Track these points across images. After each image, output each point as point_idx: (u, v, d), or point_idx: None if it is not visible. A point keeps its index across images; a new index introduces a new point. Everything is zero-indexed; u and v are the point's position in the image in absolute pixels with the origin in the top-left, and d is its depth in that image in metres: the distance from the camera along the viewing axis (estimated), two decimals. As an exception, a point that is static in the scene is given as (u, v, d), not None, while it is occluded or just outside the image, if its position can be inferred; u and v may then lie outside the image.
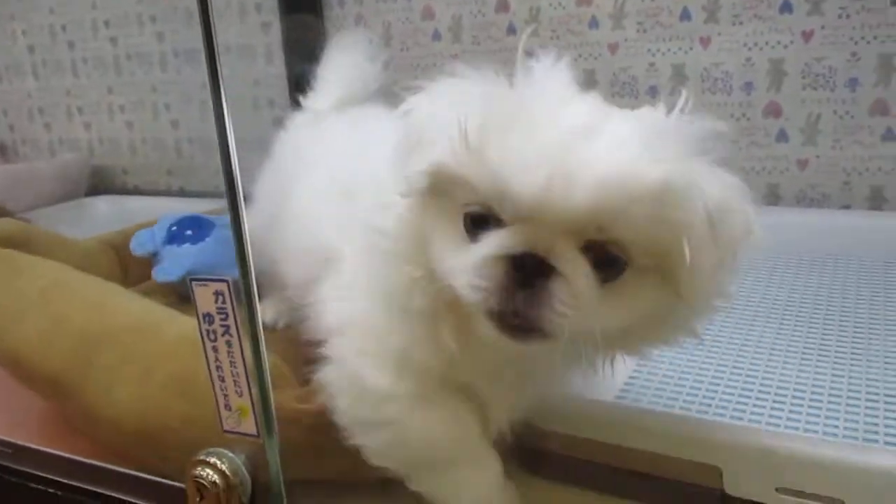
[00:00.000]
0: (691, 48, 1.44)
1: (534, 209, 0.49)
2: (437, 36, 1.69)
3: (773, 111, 1.41)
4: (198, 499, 0.58)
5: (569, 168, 0.48)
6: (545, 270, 0.50)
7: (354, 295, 0.65)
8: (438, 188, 0.54)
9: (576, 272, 0.50)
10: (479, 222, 0.53)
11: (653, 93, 1.48)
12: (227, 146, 0.52)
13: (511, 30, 1.60)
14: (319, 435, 0.61)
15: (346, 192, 0.73)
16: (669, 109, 0.54)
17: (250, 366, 0.55)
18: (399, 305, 0.59)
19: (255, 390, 0.55)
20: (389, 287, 0.60)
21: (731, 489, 0.66)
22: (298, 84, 1.78)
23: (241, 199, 0.53)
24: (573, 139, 0.49)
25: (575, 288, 0.50)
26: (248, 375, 0.55)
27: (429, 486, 0.64)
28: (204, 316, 0.55)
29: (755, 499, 0.66)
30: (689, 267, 0.51)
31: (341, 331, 0.64)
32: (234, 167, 0.51)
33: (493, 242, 0.51)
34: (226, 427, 0.58)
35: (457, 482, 0.64)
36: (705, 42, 1.43)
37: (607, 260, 0.52)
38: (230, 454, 0.59)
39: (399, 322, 0.60)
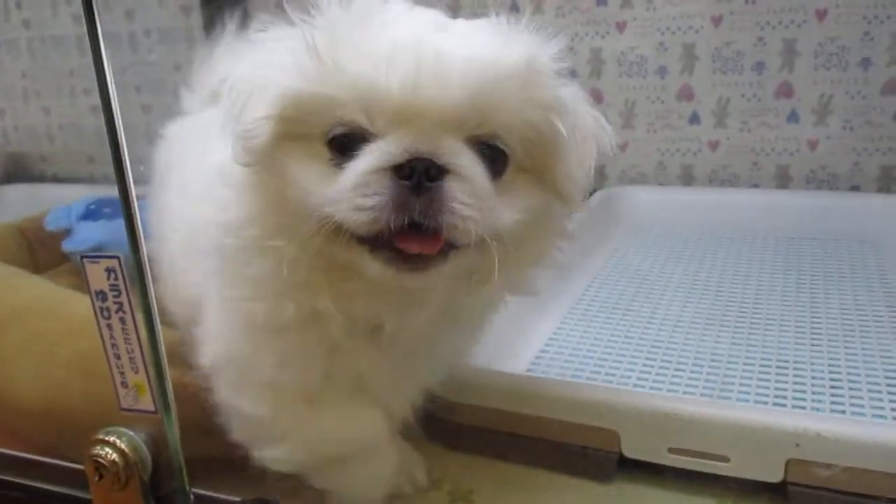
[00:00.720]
0: (608, 33, 1.47)
1: (408, 107, 0.46)
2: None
3: (687, 95, 1.46)
4: (97, 478, 0.58)
5: (435, 56, 0.46)
6: (434, 174, 0.46)
7: (219, 330, 0.59)
8: (289, 129, 0.50)
9: (471, 167, 0.48)
10: (346, 145, 0.48)
11: (573, 75, 1.51)
12: (115, 127, 0.51)
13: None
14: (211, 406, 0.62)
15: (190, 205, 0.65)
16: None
17: (145, 342, 0.55)
18: (264, 314, 0.54)
19: (150, 366, 0.55)
20: (249, 291, 0.54)
21: (628, 451, 0.69)
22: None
23: (130, 176, 0.53)
24: (431, 32, 0.48)
25: (474, 184, 0.47)
26: (143, 352, 0.55)
27: (329, 484, 0.64)
28: (97, 293, 0.55)
29: (650, 460, 0.69)
30: (563, 152, 0.51)
31: (215, 371, 0.59)
32: (121, 144, 0.51)
33: (372, 155, 0.47)
34: (123, 405, 0.58)
35: (356, 477, 0.64)
36: (621, 27, 1.46)
37: (491, 156, 0.50)
38: (129, 432, 0.59)
39: (265, 345, 0.56)
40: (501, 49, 0.48)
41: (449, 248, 0.48)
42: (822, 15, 1.34)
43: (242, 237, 0.53)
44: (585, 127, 0.54)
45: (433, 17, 0.51)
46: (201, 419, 0.58)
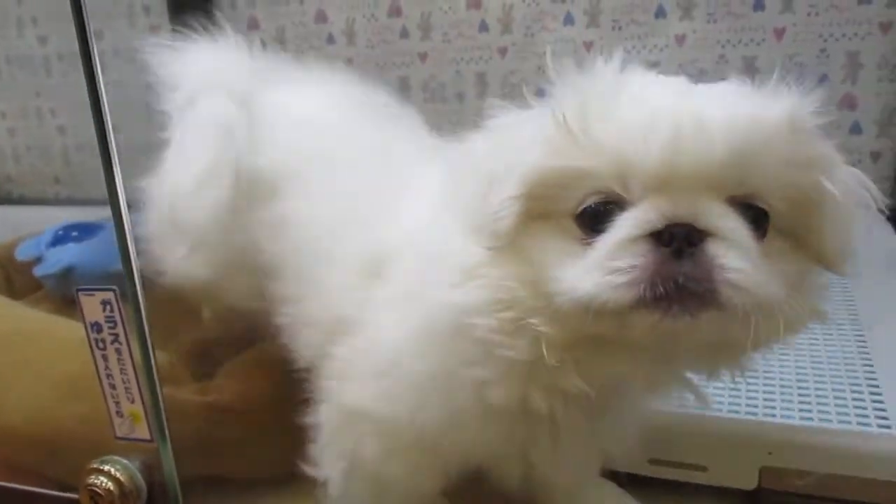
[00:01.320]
0: (575, 52, 1.51)
1: (667, 172, 0.45)
2: (331, 39, 1.70)
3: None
4: (92, 507, 0.59)
5: (694, 119, 0.44)
6: (696, 238, 0.44)
7: (427, 401, 0.57)
8: (533, 207, 0.49)
9: (736, 229, 0.45)
10: (597, 217, 0.47)
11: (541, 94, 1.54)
12: (109, 150, 0.53)
13: (405, 33, 1.63)
14: (217, 427, 0.63)
15: (373, 267, 0.62)
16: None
17: (141, 372, 0.56)
18: (502, 397, 0.53)
19: (147, 395, 0.56)
20: (495, 373, 0.52)
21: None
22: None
23: (125, 205, 0.54)
24: (683, 96, 0.47)
25: (739, 245, 0.44)
26: (139, 381, 0.56)
27: None
28: (92, 325, 0.56)
29: (633, 471, 0.72)
30: (830, 215, 0.48)
31: (373, 423, 0.59)
32: (115, 171, 0.52)
33: (628, 223, 0.45)
34: (119, 434, 0.59)
35: None
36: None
37: (752, 217, 0.47)
38: (124, 461, 0.60)
39: (482, 424, 0.55)
40: (761, 107, 0.47)
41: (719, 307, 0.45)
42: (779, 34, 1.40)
43: (496, 318, 0.50)
44: (857, 194, 0.50)
45: (678, 82, 0.50)
46: (199, 436, 0.60)
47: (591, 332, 0.48)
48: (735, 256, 0.44)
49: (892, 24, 1.35)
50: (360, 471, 0.62)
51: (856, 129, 1.43)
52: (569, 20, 1.51)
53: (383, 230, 0.62)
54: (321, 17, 1.70)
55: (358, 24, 1.67)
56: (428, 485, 0.65)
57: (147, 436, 0.58)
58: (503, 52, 1.58)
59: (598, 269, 0.45)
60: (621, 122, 0.46)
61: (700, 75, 1.44)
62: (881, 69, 1.38)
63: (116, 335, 0.56)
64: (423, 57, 1.64)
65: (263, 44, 1.08)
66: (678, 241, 0.44)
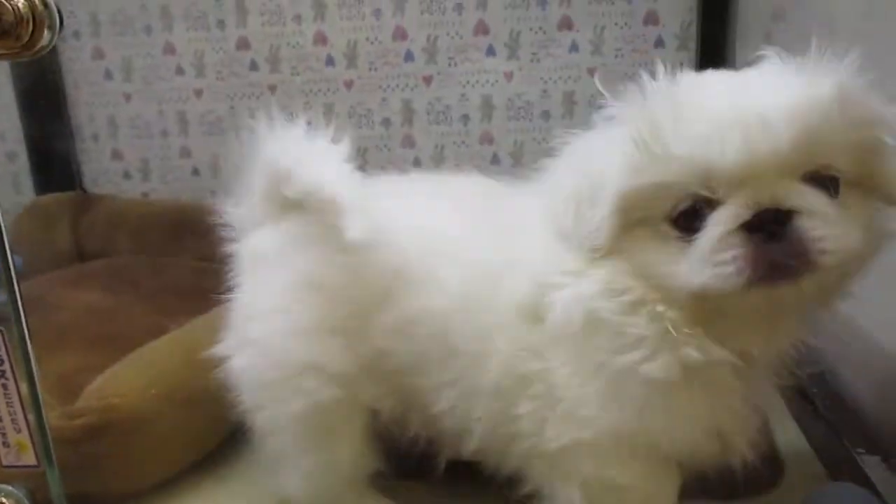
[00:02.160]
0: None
1: (744, 169, 0.50)
2: (179, 70, 1.74)
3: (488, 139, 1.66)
4: (-20, 536, 0.63)
5: (757, 116, 0.50)
6: (783, 218, 0.51)
7: (604, 403, 0.61)
8: (630, 217, 0.55)
9: (815, 202, 0.51)
10: (691, 217, 0.53)
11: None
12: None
13: (254, 66, 1.70)
14: (88, 446, 0.71)
15: (531, 311, 0.63)
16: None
17: (28, 405, 0.61)
18: (660, 370, 0.57)
19: (34, 426, 0.62)
20: (639, 353, 0.58)
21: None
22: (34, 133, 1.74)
23: (9, 250, 0.59)
24: (739, 95, 0.53)
25: (821, 214, 0.51)
26: (25, 413, 0.62)
27: None
28: (-22, 364, 0.61)
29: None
30: (889, 158, 0.54)
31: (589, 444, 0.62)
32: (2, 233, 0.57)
33: (721, 219, 0.52)
34: (5, 462, 0.64)
35: None
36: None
37: (824, 183, 0.53)
38: (8, 487, 0.64)
39: (658, 403, 0.59)
40: (813, 86, 0.52)
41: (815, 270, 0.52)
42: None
43: (616, 302, 0.57)
44: None
45: (729, 79, 0.56)
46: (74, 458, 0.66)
47: (712, 308, 0.55)
48: (820, 226, 0.51)
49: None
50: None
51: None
52: (409, 57, 1.64)
53: (518, 275, 0.64)
54: (169, 49, 1.73)
55: (207, 56, 1.72)
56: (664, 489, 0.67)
57: (34, 462, 0.63)
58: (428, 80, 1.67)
59: (706, 264, 0.52)
60: (693, 133, 0.52)
61: (527, 106, 1.63)
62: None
63: (3, 371, 0.61)
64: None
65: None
66: (768, 226, 0.51)
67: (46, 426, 0.63)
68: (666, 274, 0.55)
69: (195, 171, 1.81)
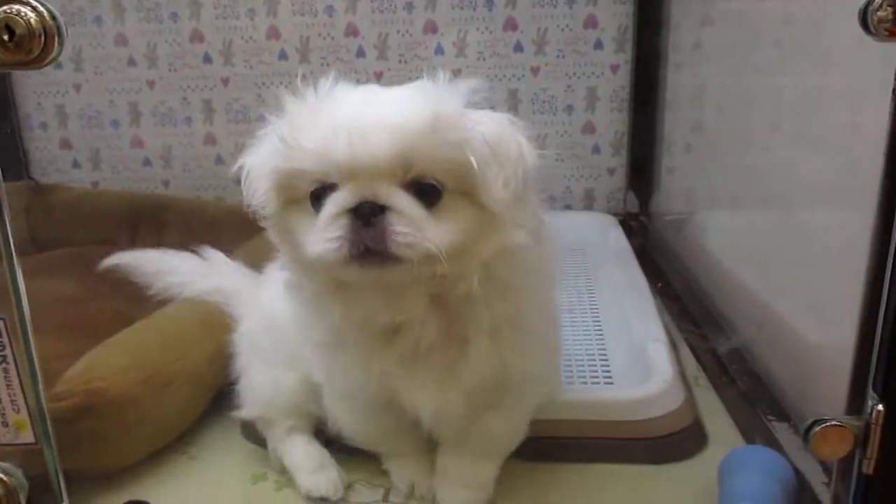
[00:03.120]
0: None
1: (352, 166, 0.62)
2: (132, 62, 1.75)
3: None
4: (-22, 509, 0.68)
5: (364, 126, 0.62)
6: (379, 211, 0.62)
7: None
8: (287, 196, 0.67)
9: (403, 203, 0.62)
10: (319, 197, 0.64)
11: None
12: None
13: (208, 59, 1.73)
14: (74, 426, 0.78)
15: None
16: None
17: (28, 387, 0.66)
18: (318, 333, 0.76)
19: (33, 405, 0.67)
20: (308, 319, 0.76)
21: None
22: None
23: (11, 236, 0.64)
24: (359, 108, 0.64)
25: (408, 216, 0.62)
26: (24, 394, 0.67)
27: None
28: (-21, 350, 0.65)
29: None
30: (481, 178, 0.63)
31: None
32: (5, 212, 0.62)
33: (332, 204, 0.63)
34: (2, 441, 0.68)
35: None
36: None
37: (425, 190, 0.64)
38: (5, 464, 0.69)
39: (327, 359, 0.78)
40: (414, 111, 0.63)
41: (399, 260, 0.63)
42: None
43: (289, 271, 0.74)
44: (508, 151, 0.66)
45: (365, 94, 0.67)
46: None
47: (337, 278, 0.68)
48: (402, 224, 0.62)
49: (619, 66, 1.70)
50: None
51: (595, 149, 1.77)
52: (361, 53, 1.70)
53: None
54: (121, 40, 1.74)
55: (160, 49, 1.74)
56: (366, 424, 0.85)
57: (32, 440, 0.68)
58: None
59: (320, 238, 0.64)
60: (319, 133, 0.63)
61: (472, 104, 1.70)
62: (612, 102, 1.73)
63: (4, 356, 0.65)
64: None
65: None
66: (365, 215, 0.62)
67: (45, 407, 0.68)
68: (303, 242, 0.67)
69: (146, 162, 1.83)
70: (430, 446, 0.86)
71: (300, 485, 0.87)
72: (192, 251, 1.05)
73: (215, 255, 1.06)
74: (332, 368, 0.79)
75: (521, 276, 0.71)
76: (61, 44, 0.58)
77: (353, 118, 0.63)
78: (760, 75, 1.14)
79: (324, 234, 0.63)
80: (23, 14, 0.56)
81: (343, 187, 0.63)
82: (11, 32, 0.56)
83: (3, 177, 1.68)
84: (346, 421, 0.85)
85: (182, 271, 1.03)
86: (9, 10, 0.56)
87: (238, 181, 0.71)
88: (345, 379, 0.78)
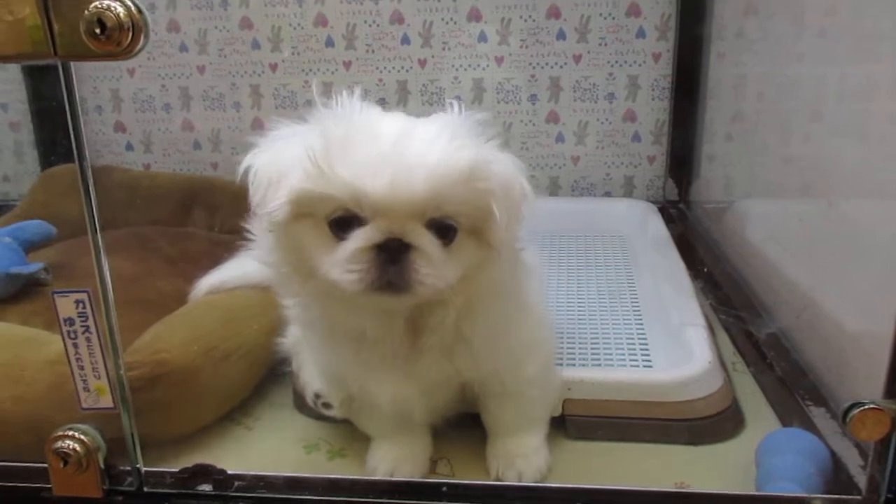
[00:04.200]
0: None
1: (386, 204, 0.63)
2: (183, 47, 1.81)
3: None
4: (62, 465, 0.73)
5: (406, 169, 0.63)
6: (403, 248, 0.65)
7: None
8: (300, 210, 0.67)
9: (428, 244, 0.65)
10: (342, 224, 0.66)
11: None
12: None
13: (256, 45, 1.78)
14: (142, 395, 0.84)
15: None
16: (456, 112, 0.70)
17: (109, 355, 0.72)
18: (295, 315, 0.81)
19: (112, 373, 0.72)
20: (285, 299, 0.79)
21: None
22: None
23: (97, 217, 0.69)
24: (400, 148, 0.64)
25: (429, 256, 0.65)
26: (105, 361, 0.72)
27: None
28: (65, 320, 0.70)
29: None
30: (497, 222, 0.67)
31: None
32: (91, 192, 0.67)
33: (360, 237, 0.65)
34: (84, 405, 0.74)
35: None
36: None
37: (444, 229, 0.67)
38: (84, 426, 0.74)
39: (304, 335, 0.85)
40: (452, 158, 0.65)
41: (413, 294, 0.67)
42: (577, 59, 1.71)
43: (276, 272, 0.75)
44: (514, 195, 0.71)
45: (400, 127, 0.67)
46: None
47: (325, 291, 0.69)
48: (423, 263, 0.65)
49: (661, 54, 1.71)
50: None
51: (636, 137, 1.78)
52: (405, 40, 1.74)
53: None
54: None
55: (212, 33, 1.79)
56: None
57: (111, 405, 0.73)
58: (347, 65, 1.77)
59: (341, 266, 0.65)
60: (355, 163, 0.64)
61: (515, 90, 1.73)
62: (654, 90, 1.74)
63: (87, 326, 0.71)
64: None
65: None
66: (391, 252, 0.65)
67: (124, 374, 0.73)
68: (315, 260, 0.68)
69: (196, 145, 1.89)
70: (416, 436, 0.90)
71: None
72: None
73: None
74: (321, 353, 0.85)
75: (486, 300, 0.75)
76: (147, 36, 0.63)
77: (393, 156, 0.64)
78: (803, 64, 1.14)
79: (347, 264, 0.65)
80: (113, 8, 0.61)
81: (371, 222, 0.65)
82: (103, 26, 0.61)
83: (61, 160, 1.77)
84: (334, 397, 0.90)
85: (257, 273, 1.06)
86: (100, 5, 0.60)
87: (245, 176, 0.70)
88: (334, 366, 0.83)
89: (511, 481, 0.85)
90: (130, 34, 0.61)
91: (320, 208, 0.67)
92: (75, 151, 0.68)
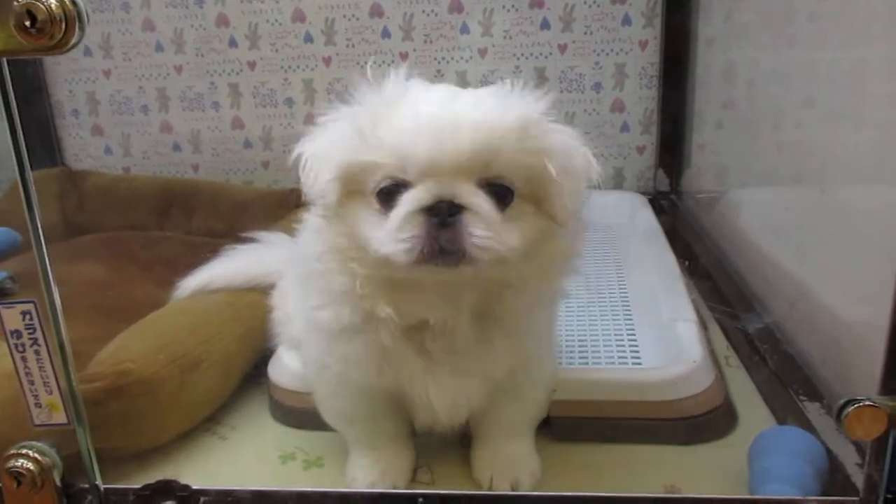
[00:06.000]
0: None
1: (433, 163, 0.60)
2: (159, 47, 1.77)
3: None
4: (16, 486, 0.69)
5: (450, 123, 0.60)
6: (455, 210, 0.60)
7: (306, 338, 0.81)
8: (349, 187, 0.65)
9: (481, 203, 0.61)
10: (390, 195, 0.62)
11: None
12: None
13: (233, 43, 1.74)
14: (105, 407, 0.80)
15: None
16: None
17: (59, 369, 0.68)
18: (330, 319, 0.71)
19: (65, 387, 0.68)
20: (323, 301, 0.72)
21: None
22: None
23: (41, 227, 0.65)
24: (444, 105, 0.63)
25: (484, 216, 0.61)
26: (56, 375, 0.68)
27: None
28: (12, 332, 0.67)
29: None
30: (555, 187, 0.63)
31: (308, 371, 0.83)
32: (33, 203, 0.63)
33: (407, 202, 0.61)
34: (37, 422, 0.70)
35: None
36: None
37: (499, 192, 0.63)
38: (39, 444, 0.71)
39: (333, 346, 0.74)
40: (500, 112, 0.63)
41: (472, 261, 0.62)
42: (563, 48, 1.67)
43: (326, 262, 0.69)
44: (577, 165, 0.67)
45: (446, 92, 0.66)
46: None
47: (394, 276, 0.65)
48: (479, 225, 0.61)
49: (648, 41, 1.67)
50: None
51: (624, 128, 1.74)
52: (386, 34, 1.70)
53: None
54: (148, 26, 1.75)
55: (187, 33, 1.75)
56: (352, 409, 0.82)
57: (64, 420, 0.70)
58: (328, 61, 1.73)
59: (391, 237, 0.61)
60: (398, 127, 0.62)
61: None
62: (641, 79, 1.70)
63: (35, 339, 0.67)
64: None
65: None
66: (442, 214, 0.61)
67: (76, 388, 0.69)
68: (367, 238, 0.64)
69: (176, 147, 1.85)
70: (402, 445, 0.86)
71: None
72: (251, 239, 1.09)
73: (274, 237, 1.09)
74: (332, 354, 0.76)
75: (545, 281, 0.71)
76: (82, 29, 0.59)
77: (438, 115, 0.62)
78: (795, 49, 1.11)
79: (397, 233, 0.61)
80: (44, 0, 0.57)
81: (418, 185, 0.62)
82: (33, 18, 0.57)
83: (38, 164, 1.73)
84: (330, 403, 0.83)
85: (248, 270, 1.07)
86: (30, -3, 0.56)
87: (296, 167, 0.69)
88: (345, 366, 0.75)
89: (505, 490, 0.81)
90: (63, 26, 0.57)
91: (368, 181, 0.64)
92: (14, 156, 0.64)
